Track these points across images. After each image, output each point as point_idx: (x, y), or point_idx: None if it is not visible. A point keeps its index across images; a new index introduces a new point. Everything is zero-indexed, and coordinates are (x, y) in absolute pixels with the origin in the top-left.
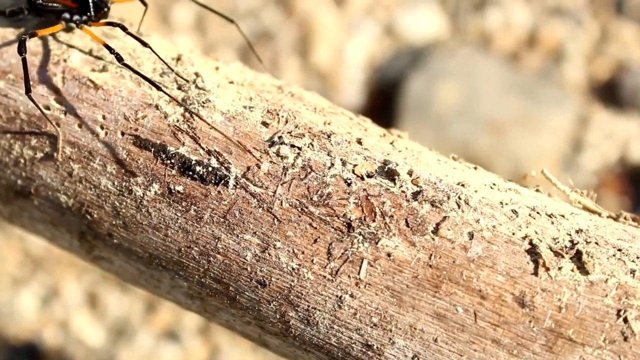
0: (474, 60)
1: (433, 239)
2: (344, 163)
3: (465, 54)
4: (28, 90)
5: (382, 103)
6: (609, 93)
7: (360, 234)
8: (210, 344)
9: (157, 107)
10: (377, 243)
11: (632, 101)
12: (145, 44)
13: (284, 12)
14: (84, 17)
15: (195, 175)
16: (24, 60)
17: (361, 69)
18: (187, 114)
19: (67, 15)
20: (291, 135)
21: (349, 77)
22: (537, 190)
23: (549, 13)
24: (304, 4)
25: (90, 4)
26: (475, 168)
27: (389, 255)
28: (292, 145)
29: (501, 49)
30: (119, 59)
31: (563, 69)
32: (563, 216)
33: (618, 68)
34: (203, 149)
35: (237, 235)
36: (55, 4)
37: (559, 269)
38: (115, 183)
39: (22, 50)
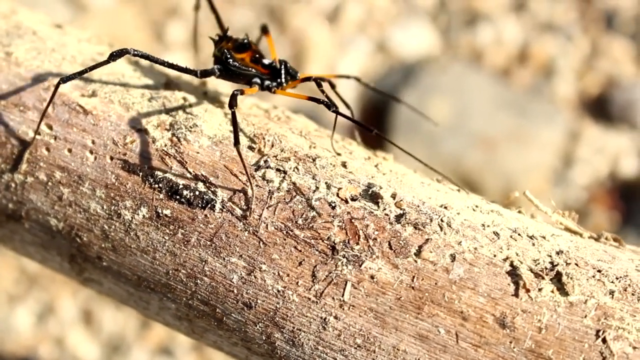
0: (466, 76)
1: (415, 261)
2: (328, 186)
3: (457, 70)
4: (237, 142)
5: (375, 119)
6: (600, 108)
7: (344, 256)
8: None
9: (145, 131)
10: (360, 265)
11: (622, 116)
12: (347, 106)
13: (278, 28)
14: (275, 83)
15: (183, 199)
16: (234, 114)
17: (354, 85)
18: (174, 139)
19: (257, 80)
20: (277, 159)
21: (342, 94)
22: (519, 212)
23: (539, 29)
24: (297, 20)
25: (282, 73)
26: (459, 190)
27: (372, 277)
28: (278, 169)
29: (492, 65)
30: (329, 105)
31: (554, 85)
32: (544, 237)
33: (608, 83)
34: (190, 173)
35: (224, 258)
36: (248, 69)
37: (539, 290)
38: (104, 207)
39: (233, 104)
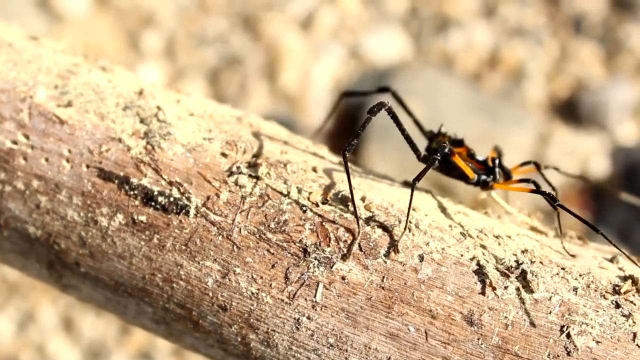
0: (437, 81)
1: (385, 262)
2: (299, 191)
3: (429, 75)
4: (417, 179)
5: (349, 124)
6: (569, 110)
7: (315, 258)
8: None
9: (120, 140)
10: (332, 267)
11: (591, 118)
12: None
13: (251, 37)
14: (491, 177)
15: (158, 205)
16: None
17: (327, 91)
18: (148, 147)
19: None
20: (249, 165)
21: (315, 100)
22: (486, 213)
23: (509, 33)
24: (270, 28)
25: (496, 170)
26: (427, 192)
27: (343, 278)
28: (250, 175)
29: (463, 70)
30: (554, 199)
31: (524, 88)
32: (509, 237)
33: (577, 86)
34: (165, 179)
35: (199, 262)
36: (466, 163)
37: (505, 288)
38: (81, 214)
39: (445, 151)
